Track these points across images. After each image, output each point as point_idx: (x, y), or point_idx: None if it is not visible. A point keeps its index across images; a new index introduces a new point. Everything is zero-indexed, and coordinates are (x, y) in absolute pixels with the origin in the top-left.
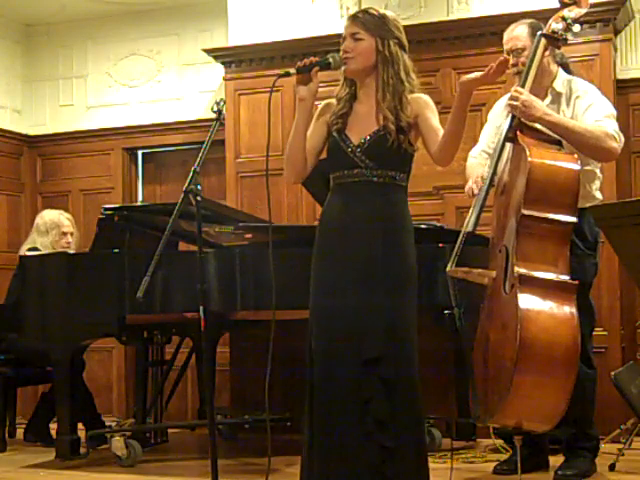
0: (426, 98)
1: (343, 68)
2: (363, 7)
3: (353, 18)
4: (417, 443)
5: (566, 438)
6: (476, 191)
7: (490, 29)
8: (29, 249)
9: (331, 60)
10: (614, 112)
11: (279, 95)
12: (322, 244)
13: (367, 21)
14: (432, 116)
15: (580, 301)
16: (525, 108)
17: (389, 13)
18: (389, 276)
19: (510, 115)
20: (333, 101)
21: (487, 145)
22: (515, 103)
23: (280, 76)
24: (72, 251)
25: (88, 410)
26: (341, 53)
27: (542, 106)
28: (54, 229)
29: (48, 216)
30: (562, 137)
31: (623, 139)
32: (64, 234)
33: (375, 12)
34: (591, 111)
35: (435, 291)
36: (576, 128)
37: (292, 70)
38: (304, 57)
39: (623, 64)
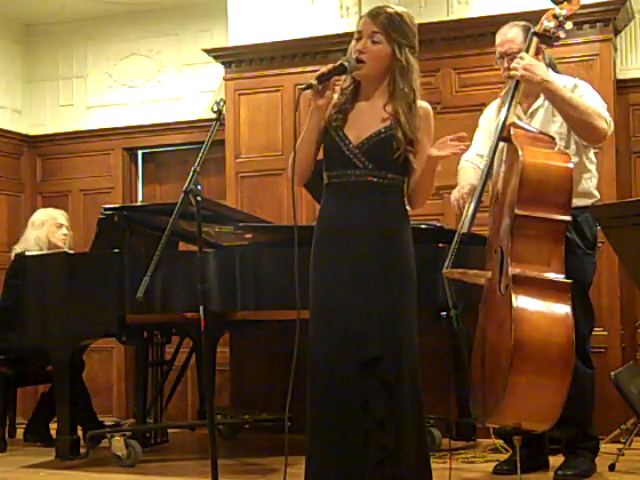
0: (426, 111)
1: (355, 71)
2: (364, 7)
3: (374, 17)
4: (419, 442)
5: (566, 438)
6: (456, 211)
7: (490, 29)
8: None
9: (346, 64)
10: (605, 104)
11: (279, 95)
12: (320, 246)
13: (387, 25)
14: (424, 148)
15: (580, 301)
16: (525, 71)
17: (404, 11)
18: (388, 277)
19: (504, 111)
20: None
21: (480, 148)
22: (517, 68)
23: (304, 89)
24: (67, 248)
25: (85, 411)
26: (353, 50)
27: (544, 72)
28: (49, 220)
29: (41, 211)
30: (557, 107)
31: (613, 127)
32: (60, 226)
33: (393, 12)
34: (585, 99)
35: (435, 291)
36: (572, 100)
37: (314, 81)
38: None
39: (623, 64)
